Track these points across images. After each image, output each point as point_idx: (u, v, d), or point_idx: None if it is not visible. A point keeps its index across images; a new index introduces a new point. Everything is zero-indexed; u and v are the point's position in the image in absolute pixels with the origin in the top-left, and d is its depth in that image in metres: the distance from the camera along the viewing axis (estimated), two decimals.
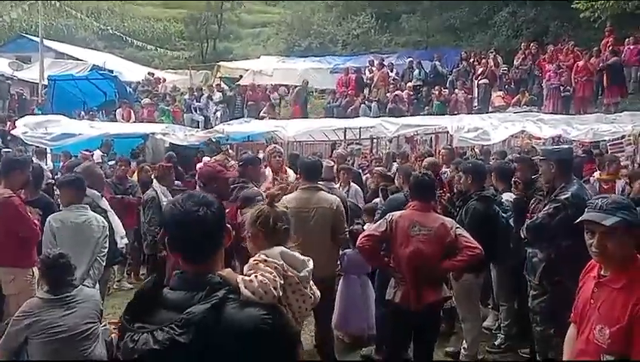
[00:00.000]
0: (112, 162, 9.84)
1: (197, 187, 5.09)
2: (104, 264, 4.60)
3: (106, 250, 4.59)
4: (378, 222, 4.18)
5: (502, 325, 5.23)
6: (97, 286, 4.59)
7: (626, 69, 13.91)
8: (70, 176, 4.90)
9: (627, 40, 14.02)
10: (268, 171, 6.40)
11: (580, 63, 13.82)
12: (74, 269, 3.63)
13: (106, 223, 4.68)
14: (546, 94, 14.16)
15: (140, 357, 1.56)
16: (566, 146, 5.02)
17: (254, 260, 2.23)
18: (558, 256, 4.03)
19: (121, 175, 7.68)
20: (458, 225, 3.96)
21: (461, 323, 4.97)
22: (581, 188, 4.20)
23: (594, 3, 14.12)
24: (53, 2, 25.87)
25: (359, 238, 4.11)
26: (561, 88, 13.85)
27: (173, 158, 8.42)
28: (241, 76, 20.39)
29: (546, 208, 4.12)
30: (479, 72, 15.64)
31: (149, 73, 20.74)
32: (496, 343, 5.21)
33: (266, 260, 2.21)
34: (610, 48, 13.94)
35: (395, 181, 6.02)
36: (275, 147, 6.97)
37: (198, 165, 7.59)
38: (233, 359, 1.59)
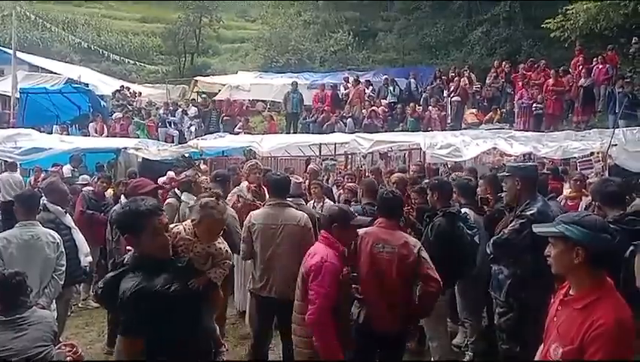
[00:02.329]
0: (86, 176, 9.67)
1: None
2: (62, 282, 4.47)
3: (63, 268, 4.47)
4: None
5: (468, 342, 5.21)
6: (54, 305, 4.46)
7: (595, 87, 14.25)
8: (22, 192, 4.80)
9: (596, 59, 14.38)
10: (244, 185, 6.36)
11: (550, 82, 14.11)
12: (29, 289, 3.52)
13: (59, 239, 4.56)
14: (518, 112, 14.41)
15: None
16: (531, 163, 5.07)
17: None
18: (524, 273, 4.04)
19: (99, 191, 7.58)
20: (422, 248, 3.91)
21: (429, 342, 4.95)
22: (546, 204, 4.23)
23: (564, 23, 14.46)
24: (27, 14, 25.63)
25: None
26: (533, 106, 14.10)
27: (134, 174, 8.27)
28: (218, 91, 20.34)
29: (512, 224, 4.14)
30: (452, 89, 15.84)
31: (121, 86, 20.49)
32: (464, 360, 5.19)
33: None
34: (583, 69, 14.28)
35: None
36: (255, 163, 6.92)
37: (160, 179, 7.46)
38: None
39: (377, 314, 3.80)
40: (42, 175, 9.91)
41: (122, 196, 6.12)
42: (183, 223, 3.20)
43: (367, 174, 9.28)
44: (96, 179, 8.41)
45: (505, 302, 4.17)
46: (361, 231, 3.98)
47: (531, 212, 4.01)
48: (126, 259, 2.86)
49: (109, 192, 8.13)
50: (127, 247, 3.06)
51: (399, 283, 3.78)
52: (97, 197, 7.47)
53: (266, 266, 4.55)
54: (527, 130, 12.47)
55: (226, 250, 3.18)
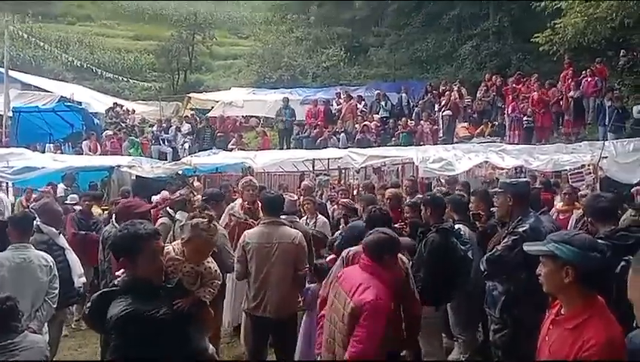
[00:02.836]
0: (74, 196, 9.62)
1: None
2: (54, 306, 4.44)
3: (56, 291, 4.44)
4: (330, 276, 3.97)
5: (463, 358, 5.21)
6: (46, 328, 4.42)
7: (584, 100, 14.41)
8: (15, 214, 4.78)
9: (585, 72, 14.56)
10: (238, 203, 6.35)
11: (535, 95, 14.27)
12: (20, 314, 3.50)
13: (51, 262, 4.53)
14: (509, 125, 14.53)
15: None
16: (523, 179, 5.11)
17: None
18: (518, 290, 4.04)
19: (85, 210, 7.51)
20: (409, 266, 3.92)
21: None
22: (538, 220, 4.24)
23: (552, 37, 14.64)
24: (20, 33, 25.66)
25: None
26: (524, 120, 14.23)
27: (127, 193, 8.24)
28: (211, 107, 20.39)
29: (504, 241, 4.16)
30: (443, 103, 15.96)
31: (114, 104, 20.50)
32: None
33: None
34: (572, 82, 14.45)
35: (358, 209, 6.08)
36: (250, 180, 6.90)
37: (154, 198, 7.44)
38: None
39: None
40: (34, 195, 9.85)
41: (114, 216, 6.08)
42: (172, 243, 3.21)
43: (358, 190, 9.28)
44: (81, 199, 8.31)
45: (499, 318, 4.17)
46: (352, 249, 3.96)
47: (523, 229, 4.02)
48: (117, 281, 2.86)
49: (97, 210, 8.09)
50: (120, 270, 3.05)
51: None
52: (85, 217, 7.41)
53: (260, 285, 4.54)
54: (518, 144, 12.57)
55: (215, 270, 3.21)
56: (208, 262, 3.19)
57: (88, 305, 2.77)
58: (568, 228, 6.05)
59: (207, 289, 3.10)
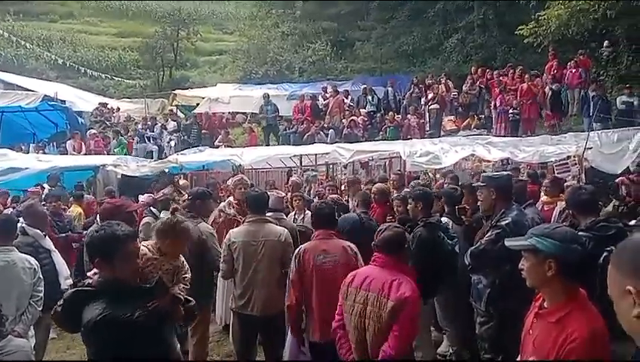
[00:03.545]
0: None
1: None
2: (39, 309, 4.39)
3: (41, 294, 4.39)
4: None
5: (450, 351, 5.24)
6: (32, 331, 4.37)
7: (569, 91, 14.52)
8: None
9: (569, 64, 14.67)
10: (227, 200, 6.32)
11: (524, 86, 14.33)
12: (5, 319, 3.45)
13: (36, 265, 4.48)
14: (496, 118, 14.60)
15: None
16: (505, 173, 5.13)
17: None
18: (503, 283, 4.07)
19: (54, 210, 7.36)
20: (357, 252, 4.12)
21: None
22: (521, 213, 4.28)
23: (537, 29, 14.72)
24: (1, 32, 25.31)
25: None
26: (509, 112, 14.29)
27: (113, 193, 8.16)
28: (197, 104, 20.26)
29: (488, 234, 4.19)
30: (429, 97, 15.98)
31: (100, 103, 20.30)
32: None
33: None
34: (553, 74, 14.54)
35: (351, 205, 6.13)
36: (241, 178, 6.86)
37: (141, 197, 7.36)
38: None
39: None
40: (9, 199, 9.61)
41: (98, 216, 6.02)
42: (145, 243, 3.23)
43: (343, 186, 9.26)
44: (47, 200, 8.10)
45: (485, 311, 4.20)
46: (302, 247, 4.18)
47: (506, 222, 4.06)
48: (92, 281, 2.82)
49: (77, 210, 7.98)
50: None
51: None
52: (57, 217, 7.29)
53: (247, 283, 4.53)
54: (505, 136, 12.63)
55: (184, 262, 3.36)
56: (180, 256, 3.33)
57: (60, 303, 2.72)
58: (552, 219, 6.09)
59: (181, 285, 3.18)
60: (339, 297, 3.55)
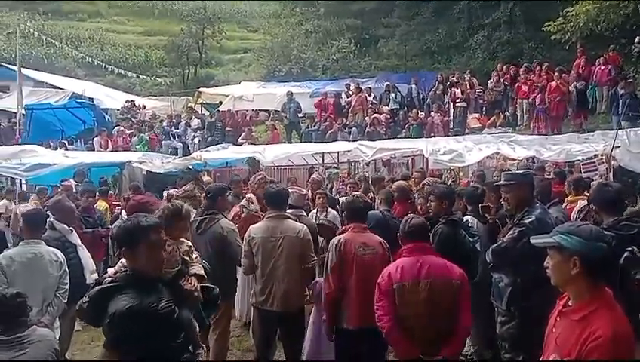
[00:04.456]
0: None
1: None
2: (65, 300, 4.49)
3: (66, 286, 4.50)
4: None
5: (472, 351, 5.18)
6: (58, 323, 4.48)
7: (597, 88, 14.19)
8: (28, 211, 4.84)
9: (598, 61, 14.33)
10: (250, 196, 6.37)
11: (553, 84, 14.04)
12: (29, 309, 3.54)
13: (62, 258, 4.60)
14: (533, 116, 14.20)
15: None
16: (527, 171, 5.06)
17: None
18: (524, 281, 4.01)
19: (86, 206, 7.46)
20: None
21: None
22: (544, 212, 4.20)
23: (564, 25, 14.42)
24: (32, 31, 25.91)
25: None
26: (544, 108, 14.00)
27: (138, 189, 8.26)
28: (221, 102, 20.44)
29: (510, 232, 4.12)
30: (456, 94, 15.78)
31: (127, 101, 20.65)
32: None
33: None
34: (578, 71, 14.21)
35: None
36: (263, 176, 6.91)
37: (165, 193, 7.45)
38: None
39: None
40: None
41: (123, 211, 6.13)
42: None
43: (367, 182, 9.21)
44: (80, 195, 8.16)
45: (506, 310, 4.14)
46: (343, 236, 4.32)
47: (530, 220, 3.98)
48: (116, 274, 2.88)
49: (103, 205, 8.10)
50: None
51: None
52: (87, 213, 7.36)
53: (267, 279, 4.55)
54: (545, 134, 12.32)
55: (191, 245, 3.54)
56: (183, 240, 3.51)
57: (86, 299, 2.77)
58: (571, 218, 5.97)
59: (196, 265, 3.30)
60: (381, 299, 3.62)
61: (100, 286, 2.77)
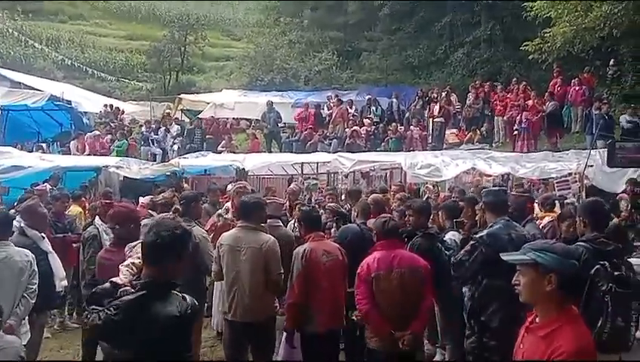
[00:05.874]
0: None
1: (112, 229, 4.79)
2: (33, 301, 4.41)
3: (35, 286, 4.42)
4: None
5: None
6: (27, 327, 4.39)
7: (572, 108, 14.54)
8: None
9: (573, 81, 14.69)
10: (227, 205, 6.32)
11: (530, 102, 14.34)
12: (1, 311, 3.46)
13: (32, 258, 4.51)
14: (519, 135, 14.35)
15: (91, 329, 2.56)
16: (496, 188, 5.21)
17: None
18: (480, 295, 4.10)
19: (58, 211, 7.28)
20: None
21: None
22: (503, 228, 4.16)
23: (542, 45, 14.77)
24: (10, 31, 25.51)
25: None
26: (515, 127, 14.24)
27: (110, 194, 8.12)
28: (202, 109, 20.34)
29: (466, 246, 4.23)
30: (434, 110, 16.00)
31: (105, 105, 20.41)
32: None
33: None
34: (550, 92, 14.53)
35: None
36: (244, 185, 6.87)
37: (141, 199, 7.37)
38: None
39: None
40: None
41: (97, 217, 6.03)
42: (130, 261, 3.16)
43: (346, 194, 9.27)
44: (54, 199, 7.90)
45: (468, 323, 4.22)
46: (304, 246, 4.63)
47: (481, 235, 4.12)
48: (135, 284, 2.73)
49: (77, 209, 7.98)
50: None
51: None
52: (58, 218, 7.17)
53: (230, 288, 4.55)
54: (534, 151, 12.50)
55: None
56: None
57: (113, 311, 2.47)
58: None
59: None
60: (360, 286, 4.16)
61: (131, 296, 2.59)
